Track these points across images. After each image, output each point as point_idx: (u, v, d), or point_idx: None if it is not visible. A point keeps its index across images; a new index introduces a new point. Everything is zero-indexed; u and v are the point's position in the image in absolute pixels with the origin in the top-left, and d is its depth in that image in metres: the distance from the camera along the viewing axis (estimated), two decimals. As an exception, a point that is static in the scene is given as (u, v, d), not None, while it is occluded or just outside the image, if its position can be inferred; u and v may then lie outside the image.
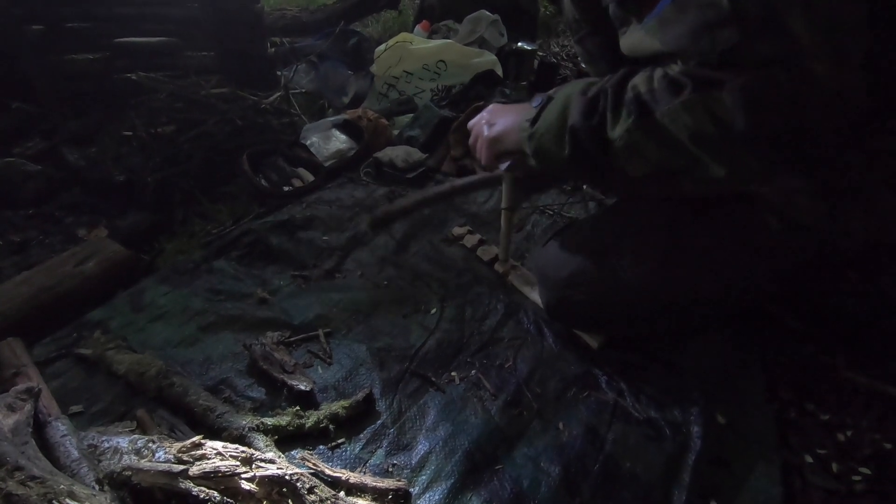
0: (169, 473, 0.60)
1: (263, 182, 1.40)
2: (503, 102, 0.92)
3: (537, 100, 0.76)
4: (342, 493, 0.68)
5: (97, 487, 0.60)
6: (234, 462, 0.62)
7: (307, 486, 0.63)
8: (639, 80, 0.62)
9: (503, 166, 0.89)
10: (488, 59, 1.90)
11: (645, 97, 0.60)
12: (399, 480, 0.71)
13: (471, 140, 0.93)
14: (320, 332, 0.97)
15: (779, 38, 0.50)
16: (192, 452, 0.64)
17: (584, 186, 1.34)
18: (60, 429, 0.68)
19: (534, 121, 0.74)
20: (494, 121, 0.86)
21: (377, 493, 0.69)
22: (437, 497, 0.72)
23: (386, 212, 1.19)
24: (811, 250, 0.71)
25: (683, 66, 0.57)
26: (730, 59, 0.53)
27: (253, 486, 0.61)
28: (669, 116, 0.58)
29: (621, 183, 0.70)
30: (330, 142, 1.56)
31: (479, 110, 1.48)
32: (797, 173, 0.63)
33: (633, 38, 0.63)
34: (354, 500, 0.68)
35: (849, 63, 0.51)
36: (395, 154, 1.49)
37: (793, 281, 0.80)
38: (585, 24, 0.85)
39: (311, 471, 0.70)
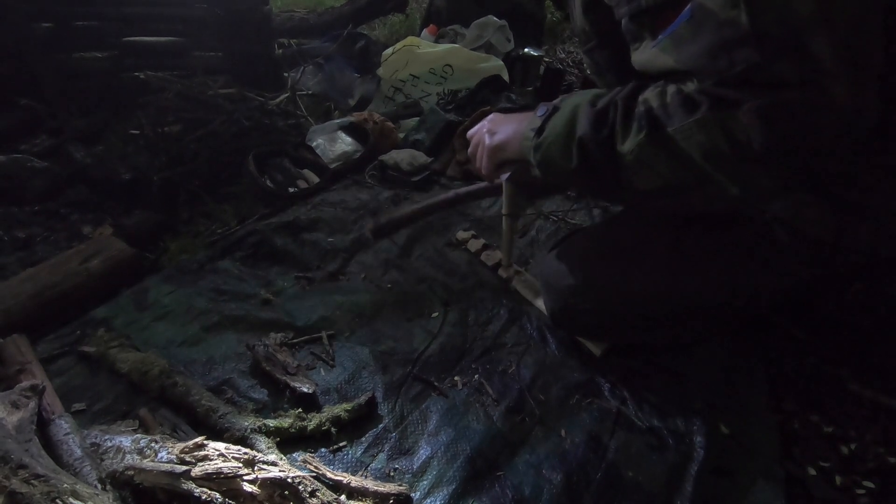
0: (171, 474, 0.60)
1: (269, 183, 1.40)
2: (505, 110, 0.91)
3: (542, 109, 0.75)
4: (343, 497, 0.68)
5: (99, 486, 0.60)
6: (236, 464, 0.62)
7: (309, 489, 0.63)
8: (650, 95, 0.61)
9: (504, 176, 0.88)
10: (495, 65, 1.90)
11: (657, 112, 0.60)
12: (400, 485, 0.71)
13: (470, 149, 0.91)
14: (323, 334, 0.97)
15: (799, 58, 0.50)
16: (195, 453, 0.64)
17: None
18: (63, 427, 0.68)
19: (539, 130, 0.73)
20: (496, 129, 0.85)
21: (378, 498, 0.69)
22: (438, 502, 0.72)
23: (390, 219, 1.18)
24: (818, 263, 0.70)
25: (699, 84, 0.57)
26: (747, 79, 0.53)
27: (255, 488, 0.61)
28: (682, 133, 0.58)
29: (629, 196, 0.69)
30: (336, 144, 1.57)
31: (485, 115, 1.50)
32: (807, 189, 0.63)
33: (646, 55, 0.62)
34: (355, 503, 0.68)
35: (866, 82, 0.51)
36: (401, 157, 1.50)
37: (799, 292, 0.80)
38: (595, 35, 0.85)
39: (313, 474, 0.70)
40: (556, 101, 0.74)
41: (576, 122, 0.68)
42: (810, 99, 0.51)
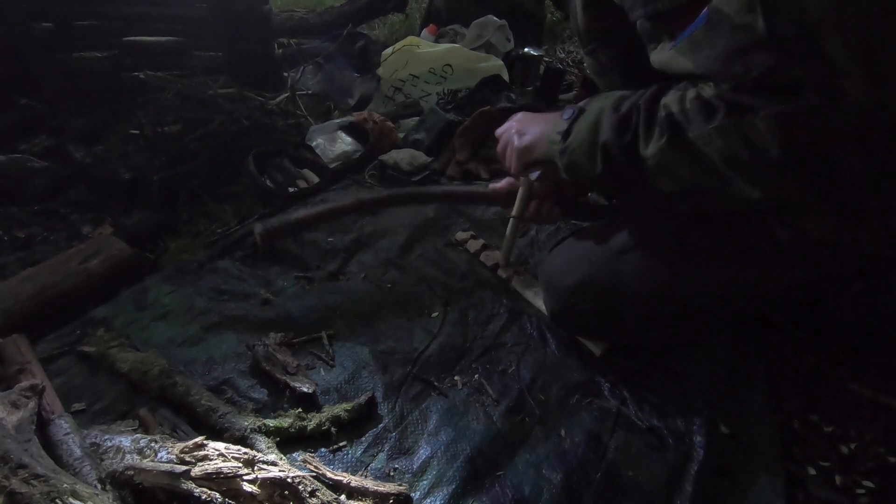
0: (171, 474, 0.60)
1: (268, 183, 1.40)
2: (507, 110, 0.90)
3: (568, 111, 0.75)
4: (343, 497, 0.68)
5: (99, 486, 0.60)
6: (236, 464, 0.62)
7: (309, 489, 0.63)
8: (671, 100, 0.62)
9: (533, 175, 0.90)
10: (495, 64, 1.90)
11: (678, 117, 0.60)
12: (400, 485, 0.71)
13: (499, 147, 0.93)
14: (323, 333, 0.97)
15: (815, 60, 0.49)
16: (195, 453, 0.64)
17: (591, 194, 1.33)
18: (63, 427, 0.68)
19: (565, 135, 0.74)
20: (524, 130, 0.86)
21: (378, 498, 0.69)
22: (438, 502, 0.72)
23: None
24: (819, 263, 0.70)
25: (716, 88, 0.57)
26: (763, 84, 0.52)
27: (255, 488, 0.61)
28: (702, 139, 0.58)
29: (654, 199, 0.69)
30: (335, 144, 1.56)
31: (484, 115, 1.50)
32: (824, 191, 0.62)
33: (664, 56, 0.62)
34: (355, 503, 0.68)
35: (884, 82, 0.50)
36: (401, 157, 1.50)
37: (799, 292, 0.80)
38: (597, 34, 0.85)
39: (313, 474, 0.70)
40: (581, 104, 0.74)
41: (599, 127, 0.68)
42: (825, 101, 0.50)
